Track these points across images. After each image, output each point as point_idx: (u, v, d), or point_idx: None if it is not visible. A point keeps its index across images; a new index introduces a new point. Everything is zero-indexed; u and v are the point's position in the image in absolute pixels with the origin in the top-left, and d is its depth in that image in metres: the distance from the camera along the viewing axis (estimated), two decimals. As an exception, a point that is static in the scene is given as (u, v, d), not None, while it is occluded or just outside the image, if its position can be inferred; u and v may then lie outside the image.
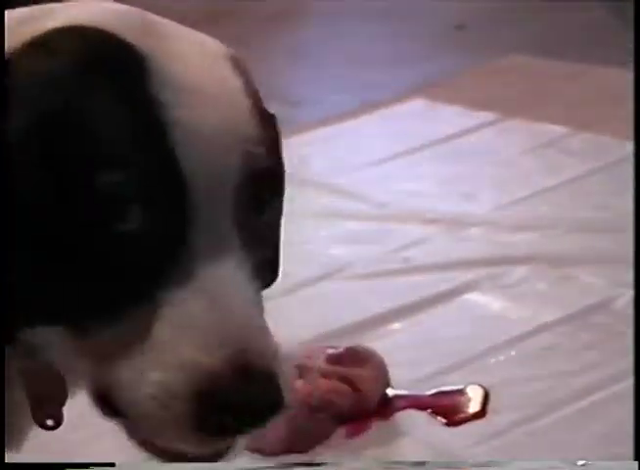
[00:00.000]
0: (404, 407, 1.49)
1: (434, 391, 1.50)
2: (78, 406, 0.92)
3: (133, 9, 0.78)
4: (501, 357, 1.58)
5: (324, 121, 2.53)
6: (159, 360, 0.69)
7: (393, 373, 1.40)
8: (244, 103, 0.72)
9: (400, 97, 2.61)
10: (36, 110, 0.69)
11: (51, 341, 0.74)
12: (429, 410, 1.49)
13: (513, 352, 1.60)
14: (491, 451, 1.36)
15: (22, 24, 0.74)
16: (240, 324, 0.71)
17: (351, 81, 2.79)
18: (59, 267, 0.70)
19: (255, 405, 0.69)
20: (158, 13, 0.82)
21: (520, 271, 1.81)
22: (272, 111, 0.81)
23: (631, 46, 2.26)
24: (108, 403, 0.73)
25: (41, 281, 0.70)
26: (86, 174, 0.66)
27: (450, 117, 2.49)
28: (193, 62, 0.73)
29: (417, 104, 2.59)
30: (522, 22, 3.06)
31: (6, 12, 0.79)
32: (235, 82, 0.74)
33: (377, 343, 1.46)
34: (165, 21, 0.79)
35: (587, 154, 2.22)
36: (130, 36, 0.72)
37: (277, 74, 2.82)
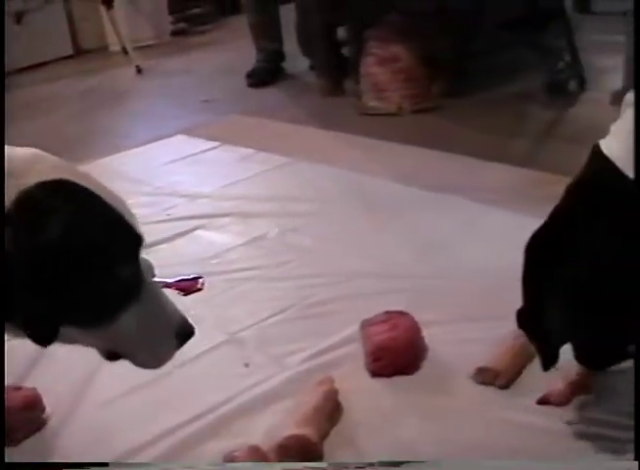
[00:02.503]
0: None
1: (178, 278, 2.21)
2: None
3: (63, 162, 1.21)
4: (215, 261, 2.35)
5: (134, 147, 3.50)
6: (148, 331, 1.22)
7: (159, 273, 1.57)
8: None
9: (172, 135, 3.66)
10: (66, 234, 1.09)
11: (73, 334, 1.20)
12: (173, 288, 2.14)
13: (219, 260, 2.35)
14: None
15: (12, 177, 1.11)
16: (172, 304, 1.28)
17: (151, 126, 3.89)
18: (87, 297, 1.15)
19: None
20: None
21: (225, 220, 2.62)
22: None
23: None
24: (113, 354, 1.27)
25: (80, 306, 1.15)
26: (108, 267, 1.16)
27: (197, 144, 3.44)
28: (102, 187, 1.20)
29: (181, 138, 3.60)
30: (242, 98, 4.26)
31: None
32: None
33: (152, 255, 1.60)
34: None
35: (264, 162, 3.12)
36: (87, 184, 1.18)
37: (117, 125, 3.94)
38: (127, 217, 1.21)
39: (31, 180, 1.13)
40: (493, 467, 1.40)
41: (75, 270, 1.12)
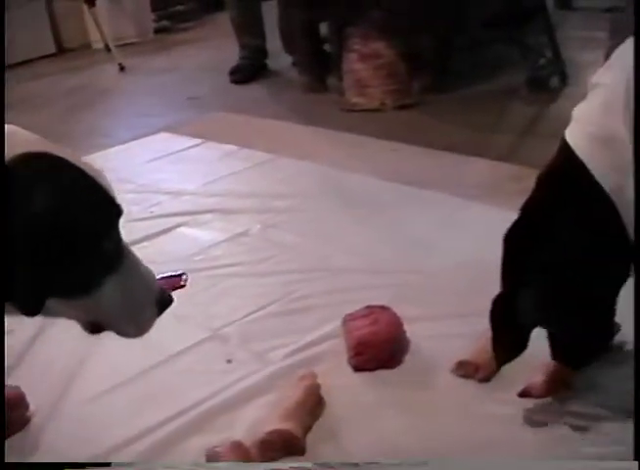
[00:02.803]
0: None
1: (161, 275, 2.13)
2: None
3: (38, 137, 1.20)
4: (198, 258, 2.35)
5: (118, 144, 3.48)
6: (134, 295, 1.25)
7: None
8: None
9: (155, 132, 3.65)
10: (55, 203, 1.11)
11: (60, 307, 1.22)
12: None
13: (202, 256, 2.36)
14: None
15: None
16: (151, 273, 1.30)
17: (134, 124, 3.87)
18: (72, 267, 1.16)
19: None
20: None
21: (207, 217, 2.62)
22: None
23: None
24: (95, 326, 1.29)
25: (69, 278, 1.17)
26: (91, 237, 1.17)
27: (180, 141, 3.44)
28: (80, 159, 1.21)
29: (165, 135, 3.58)
30: (226, 95, 4.26)
31: None
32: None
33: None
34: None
35: (247, 159, 3.13)
36: (66, 156, 1.18)
37: (100, 122, 3.93)
38: (106, 188, 1.23)
39: (9, 153, 1.13)
40: (481, 466, 1.38)
41: (58, 241, 1.13)
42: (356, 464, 1.36)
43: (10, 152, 1.12)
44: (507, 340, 1.52)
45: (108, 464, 1.46)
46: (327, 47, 4.24)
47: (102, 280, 1.22)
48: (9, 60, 5.12)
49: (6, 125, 1.19)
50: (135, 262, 1.28)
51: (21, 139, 1.18)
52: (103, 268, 1.22)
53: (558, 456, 1.39)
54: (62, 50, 5.76)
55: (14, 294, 1.14)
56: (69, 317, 1.29)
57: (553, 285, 1.39)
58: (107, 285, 1.22)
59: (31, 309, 1.18)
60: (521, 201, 1.46)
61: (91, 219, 1.18)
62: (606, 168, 1.32)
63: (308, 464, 1.42)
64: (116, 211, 1.23)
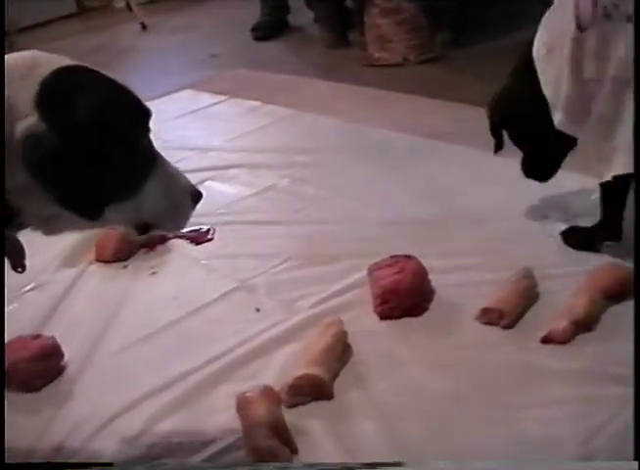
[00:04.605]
0: (170, 238, 2.20)
1: (189, 229, 2.19)
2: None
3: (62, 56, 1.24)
4: (226, 211, 2.38)
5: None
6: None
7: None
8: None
9: (179, 90, 3.69)
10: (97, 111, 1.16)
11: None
12: (185, 239, 2.22)
13: (229, 210, 2.38)
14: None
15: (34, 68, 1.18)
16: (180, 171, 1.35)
17: (158, 82, 3.85)
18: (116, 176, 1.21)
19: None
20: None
21: (235, 171, 2.67)
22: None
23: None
24: (142, 227, 1.33)
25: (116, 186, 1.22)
26: (132, 139, 1.23)
27: (204, 98, 3.50)
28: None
29: (187, 92, 3.65)
30: (248, 51, 4.27)
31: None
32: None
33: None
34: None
35: (271, 114, 3.16)
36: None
37: (124, 81, 3.80)
38: (135, 94, 1.30)
39: (46, 70, 1.18)
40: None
41: (106, 144, 1.19)
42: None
43: (41, 70, 1.18)
44: (497, 138, 2.05)
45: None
46: (348, 2, 4.23)
47: (144, 181, 1.28)
48: (30, 21, 5.14)
49: (25, 51, 1.24)
50: (166, 163, 1.34)
51: (46, 59, 1.22)
52: (144, 169, 1.28)
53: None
54: (83, 9, 5.76)
55: (75, 204, 1.20)
56: (120, 222, 1.34)
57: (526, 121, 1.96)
58: (149, 185, 1.28)
59: (92, 215, 1.24)
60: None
61: (130, 121, 1.25)
62: (538, 58, 1.91)
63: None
64: (149, 113, 1.30)
